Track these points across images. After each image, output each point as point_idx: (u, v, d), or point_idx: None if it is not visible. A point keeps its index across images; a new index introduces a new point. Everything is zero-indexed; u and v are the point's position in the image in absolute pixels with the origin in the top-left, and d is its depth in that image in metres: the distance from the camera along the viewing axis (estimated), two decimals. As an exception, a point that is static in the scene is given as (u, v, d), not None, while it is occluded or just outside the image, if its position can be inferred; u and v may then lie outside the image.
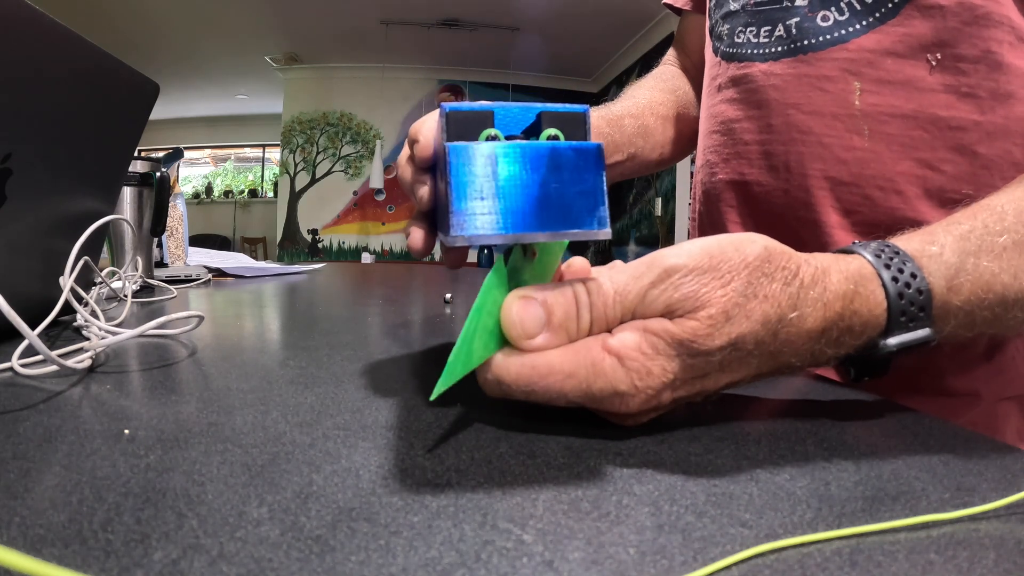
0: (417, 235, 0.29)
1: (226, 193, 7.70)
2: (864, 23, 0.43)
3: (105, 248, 0.75)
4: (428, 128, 0.27)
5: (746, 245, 0.23)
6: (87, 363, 0.31)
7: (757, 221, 0.50)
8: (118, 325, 0.39)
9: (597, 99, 5.48)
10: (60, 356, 0.28)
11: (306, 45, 5.25)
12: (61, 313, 0.35)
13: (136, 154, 0.74)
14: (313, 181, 5.84)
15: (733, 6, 0.51)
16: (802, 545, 0.16)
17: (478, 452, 0.22)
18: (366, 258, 5.36)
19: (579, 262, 0.27)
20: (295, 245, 5.87)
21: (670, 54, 0.68)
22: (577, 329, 0.22)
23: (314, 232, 5.86)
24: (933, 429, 0.27)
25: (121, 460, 0.20)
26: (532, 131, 0.24)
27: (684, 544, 0.16)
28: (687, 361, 0.22)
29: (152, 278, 0.72)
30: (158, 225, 0.76)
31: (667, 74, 0.65)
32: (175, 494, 0.17)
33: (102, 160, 0.44)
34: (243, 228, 7.42)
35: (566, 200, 0.21)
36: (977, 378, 0.44)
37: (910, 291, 0.26)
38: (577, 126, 0.23)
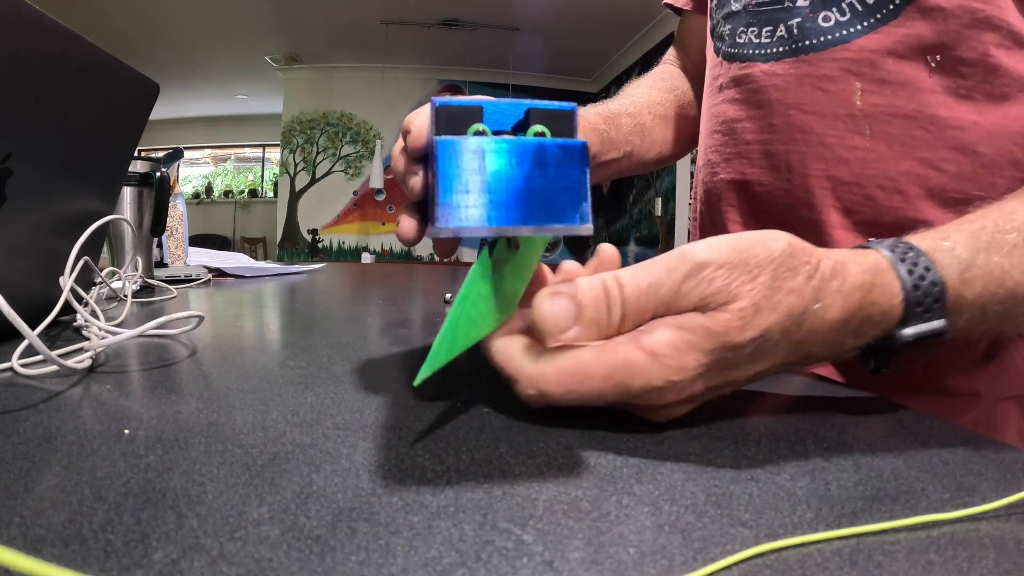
0: (408, 224, 0.29)
1: (226, 193, 7.70)
2: (865, 24, 0.43)
3: (105, 248, 0.75)
4: (421, 120, 0.27)
5: (770, 241, 0.24)
6: (87, 363, 0.31)
7: (758, 221, 0.50)
8: (118, 325, 0.39)
9: (597, 99, 5.47)
10: (60, 356, 0.28)
11: (306, 45, 5.25)
12: (61, 313, 0.35)
13: (136, 154, 0.74)
14: (313, 181, 5.84)
15: (735, 6, 0.51)
16: (802, 545, 0.16)
17: (478, 452, 0.22)
18: (366, 258, 5.35)
19: (571, 265, 0.28)
20: (295, 245, 5.87)
21: (670, 54, 0.68)
22: (608, 322, 0.23)
23: (314, 232, 5.86)
24: (933, 429, 0.27)
25: (121, 460, 0.20)
26: (521, 127, 0.24)
27: (684, 544, 0.16)
28: (719, 354, 0.23)
29: (152, 278, 0.72)
30: (158, 225, 0.76)
31: (666, 73, 0.65)
32: (175, 494, 0.17)
33: (102, 160, 0.44)
34: (243, 228, 7.43)
35: (550, 195, 0.22)
36: (977, 378, 0.44)
37: (925, 283, 0.27)
38: (565, 123, 0.24)
